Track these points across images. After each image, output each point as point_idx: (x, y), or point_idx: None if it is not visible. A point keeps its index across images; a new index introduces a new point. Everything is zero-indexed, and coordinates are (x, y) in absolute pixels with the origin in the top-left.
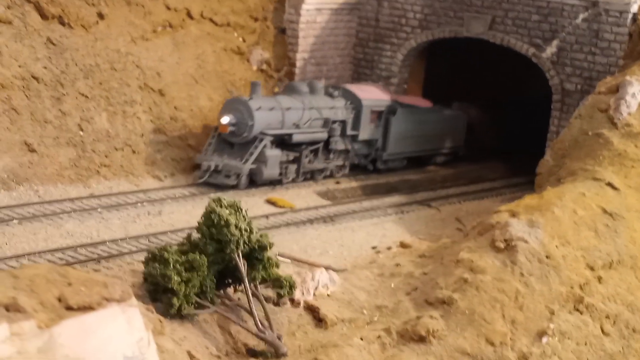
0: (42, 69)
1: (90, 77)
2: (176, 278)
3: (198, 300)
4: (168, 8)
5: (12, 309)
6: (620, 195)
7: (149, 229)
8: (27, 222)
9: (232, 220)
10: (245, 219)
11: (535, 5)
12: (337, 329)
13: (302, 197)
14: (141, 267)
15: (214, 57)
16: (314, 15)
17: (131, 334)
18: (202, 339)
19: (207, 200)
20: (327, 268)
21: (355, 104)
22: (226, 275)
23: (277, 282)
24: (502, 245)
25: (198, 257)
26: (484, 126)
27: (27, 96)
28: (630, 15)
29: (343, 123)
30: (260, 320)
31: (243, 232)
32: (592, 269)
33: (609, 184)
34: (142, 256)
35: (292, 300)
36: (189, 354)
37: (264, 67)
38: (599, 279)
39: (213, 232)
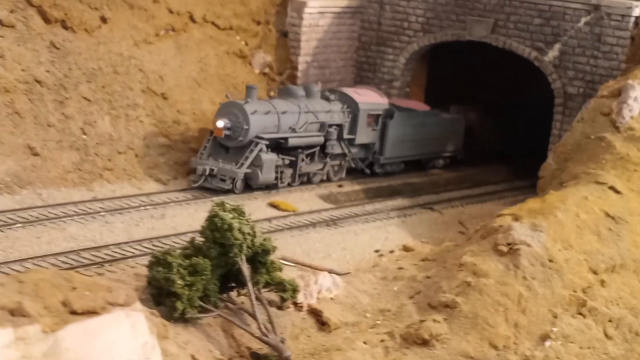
0: (45, 72)
1: (93, 81)
2: (180, 282)
3: (201, 304)
4: (171, 12)
5: (17, 313)
6: (622, 199)
7: (152, 233)
8: (30, 225)
9: (236, 224)
10: (248, 223)
11: (538, 9)
12: (340, 333)
13: (305, 200)
14: (145, 271)
15: (217, 61)
16: (317, 18)
17: (135, 338)
18: (205, 343)
19: (210, 204)
20: (330, 271)
21: (352, 107)
22: (229, 279)
23: (280, 286)
24: (505, 248)
25: (201, 260)
26: (483, 129)
27: (30, 100)
28: (632, 19)
29: (340, 127)
30: (263, 324)
31: (246, 235)
32: (595, 272)
33: (612, 188)
34: (145, 260)
35: (295, 304)
36: (193, 357)
37: (267, 70)
38: (602, 282)
39: (216, 235)
